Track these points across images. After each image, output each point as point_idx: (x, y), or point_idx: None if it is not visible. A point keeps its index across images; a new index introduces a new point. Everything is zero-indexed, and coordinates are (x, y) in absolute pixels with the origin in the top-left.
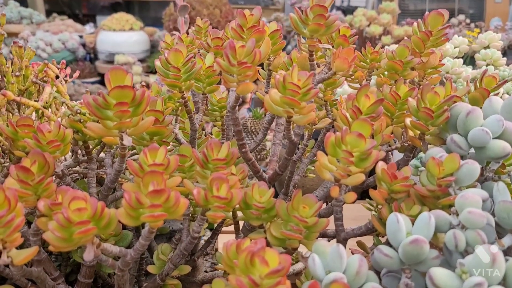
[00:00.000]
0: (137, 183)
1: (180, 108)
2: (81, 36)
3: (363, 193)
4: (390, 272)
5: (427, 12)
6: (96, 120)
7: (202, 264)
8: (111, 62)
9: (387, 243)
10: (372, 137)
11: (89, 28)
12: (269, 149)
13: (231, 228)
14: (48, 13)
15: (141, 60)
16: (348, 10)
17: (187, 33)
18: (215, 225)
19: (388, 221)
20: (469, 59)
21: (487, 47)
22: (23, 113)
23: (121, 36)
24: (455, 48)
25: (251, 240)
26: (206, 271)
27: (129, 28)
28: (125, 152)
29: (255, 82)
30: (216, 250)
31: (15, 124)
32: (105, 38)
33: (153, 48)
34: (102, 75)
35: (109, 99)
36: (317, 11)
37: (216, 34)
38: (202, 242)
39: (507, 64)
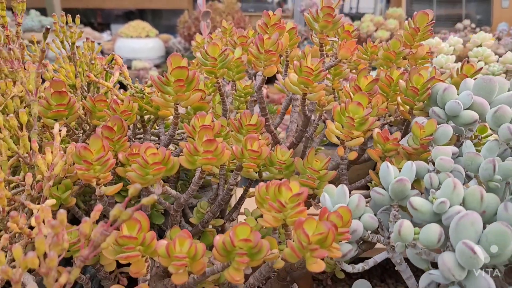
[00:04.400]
0: (191, 141)
1: (213, 93)
2: (99, 43)
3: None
4: (383, 210)
5: (431, 13)
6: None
7: (229, 228)
8: (128, 68)
9: (381, 187)
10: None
11: (106, 35)
12: (282, 139)
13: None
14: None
15: (157, 66)
16: (356, 17)
17: (210, 35)
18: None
19: (380, 168)
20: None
21: (480, 45)
22: (94, 93)
23: (138, 43)
24: (450, 46)
25: None
26: None
27: (145, 35)
28: (178, 120)
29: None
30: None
31: (94, 100)
32: (122, 44)
33: (168, 54)
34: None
35: (170, 77)
36: (326, 11)
37: (241, 33)
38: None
39: None
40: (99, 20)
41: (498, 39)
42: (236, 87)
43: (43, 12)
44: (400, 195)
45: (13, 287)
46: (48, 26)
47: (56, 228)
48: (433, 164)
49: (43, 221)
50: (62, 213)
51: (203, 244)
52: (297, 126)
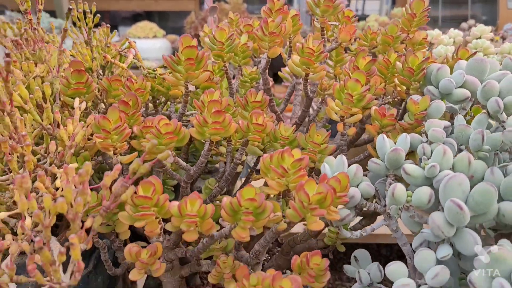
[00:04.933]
0: (200, 116)
1: (220, 78)
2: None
3: None
4: (380, 182)
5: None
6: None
7: None
8: (136, 68)
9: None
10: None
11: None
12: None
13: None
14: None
15: (165, 66)
16: (362, 18)
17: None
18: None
19: (377, 140)
20: None
21: (479, 38)
22: (109, 75)
23: (145, 43)
24: (450, 38)
25: None
26: None
27: (153, 35)
28: (188, 98)
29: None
30: None
31: (109, 80)
32: None
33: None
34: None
35: (181, 56)
36: None
37: (247, 22)
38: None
39: None
40: (107, 22)
41: (503, 38)
42: (242, 72)
43: (53, 14)
44: (395, 164)
45: (44, 232)
46: (70, 7)
47: (83, 176)
48: (426, 136)
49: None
50: (88, 164)
51: (211, 205)
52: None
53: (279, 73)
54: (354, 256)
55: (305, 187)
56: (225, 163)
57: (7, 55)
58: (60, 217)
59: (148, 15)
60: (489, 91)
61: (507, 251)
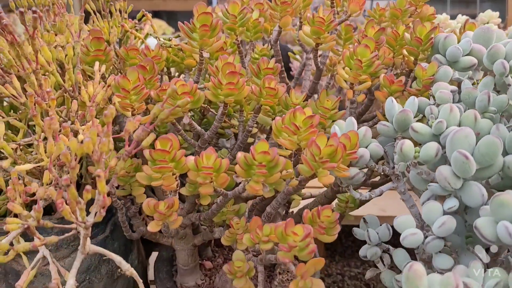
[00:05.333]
0: (215, 78)
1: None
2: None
3: None
4: (389, 145)
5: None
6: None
7: None
8: None
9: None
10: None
11: None
12: None
13: None
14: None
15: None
16: None
17: None
18: None
19: (386, 103)
20: None
21: (487, 23)
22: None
23: (154, 40)
24: (457, 23)
25: None
26: None
27: (162, 33)
28: (202, 66)
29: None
30: None
31: (127, 49)
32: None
33: None
34: None
35: (196, 23)
36: None
37: (258, 1)
38: None
39: None
40: None
41: None
42: (254, 49)
43: None
44: (403, 125)
45: (70, 173)
46: None
47: (108, 117)
48: (434, 98)
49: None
50: (112, 108)
51: (226, 159)
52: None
53: (289, 53)
54: (363, 218)
55: (317, 141)
56: (236, 135)
57: (34, 11)
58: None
59: (157, 15)
60: (495, 54)
61: (511, 196)
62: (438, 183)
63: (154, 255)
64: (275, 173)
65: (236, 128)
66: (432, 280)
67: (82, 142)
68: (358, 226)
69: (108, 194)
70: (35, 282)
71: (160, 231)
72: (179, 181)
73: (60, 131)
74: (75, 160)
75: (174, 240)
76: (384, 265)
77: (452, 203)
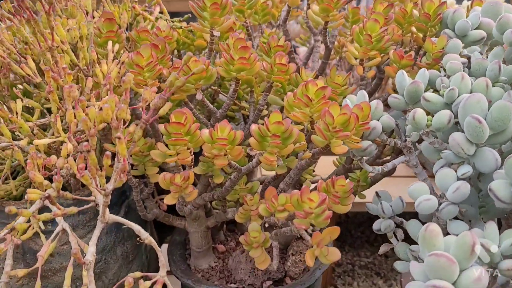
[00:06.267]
0: (226, 54)
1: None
2: None
3: None
4: (400, 119)
5: None
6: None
7: (257, 170)
8: None
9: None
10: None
11: None
12: None
13: None
14: None
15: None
16: None
17: None
18: None
19: (396, 76)
20: None
21: None
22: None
23: (165, 23)
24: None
25: None
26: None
27: None
28: (213, 46)
29: None
30: None
31: (138, 31)
32: None
33: None
34: None
35: (206, 1)
36: None
37: None
38: None
39: None
40: None
41: None
42: (262, 33)
43: None
44: (415, 97)
45: (90, 141)
46: None
47: (126, 83)
48: (445, 70)
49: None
50: (130, 75)
51: (241, 131)
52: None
53: (296, 39)
54: (376, 192)
55: (330, 110)
56: (246, 118)
57: None
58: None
59: None
60: (505, 24)
61: None
62: (451, 150)
63: (165, 247)
64: (289, 144)
65: (246, 110)
66: (449, 241)
67: (101, 109)
68: (366, 215)
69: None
70: (52, 262)
71: (173, 214)
72: (193, 156)
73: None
74: (94, 128)
75: (187, 222)
76: (397, 239)
77: (465, 169)
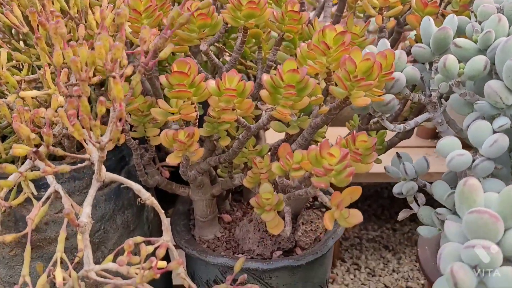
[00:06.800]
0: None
1: None
2: None
3: None
4: (425, 72)
5: None
6: None
7: (264, 136)
8: None
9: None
10: None
11: None
12: None
13: None
14: None
15: None
16: None
17: None
18: None
19: (422, 23)
20: None
21: None
22: None
23: None
24: None
25: None
26: None
27: None
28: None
29: None
30: None
31: None
32: None
33: None
34: None
35: None
36: None
37: None
38: None
39: None
40: None
41: None
42: None
43: None
44: (443, 45)
45: (81, 86)
46: None
47: (122, 17)
48: (475, 16)
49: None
50: (125, 8)
51: (251, 82)
52: None
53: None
54: (397, 153)
55: (352, 55)
56: (254, 77)
57: None
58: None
59: None
60: None
61: None
62: (487, 100)
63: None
64: (304, 96)
65: (254, 70)
66: (489, 197)
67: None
68: (372, 189)
69: (122, 132)
70: (47, 231)
71: (176, 181)
72: (198, 112)
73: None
74: (86, 71)
75: (191, 190)
76: (418, 205)
77: (503, 121)
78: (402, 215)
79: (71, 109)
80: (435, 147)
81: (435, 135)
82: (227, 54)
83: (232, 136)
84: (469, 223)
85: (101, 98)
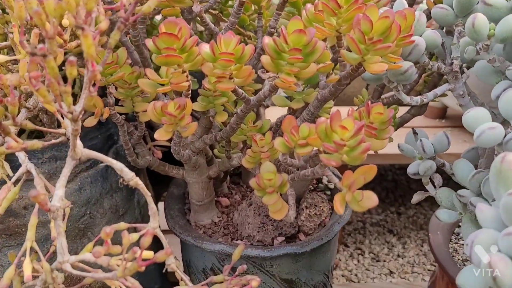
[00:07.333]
0: None
1: None
2: None
3: None
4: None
5: None
6: None
7: (263, 114)
8: None
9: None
10: None
11: None
12: None
13: None
14: None
15: None
16: None
17: None
18: None
19: None
20: None
21: None
22: None
23: None
24: None
25: None
26: None
27: None
28: None
29: None
30: None
31: None
32: None
33: None
34: None
35: None
36: None
37: None
38: None
39: None
40: None
41: None
42: None
43: None
44: (468, 6)
45: (48, 45)
46: None
47: None
48: None
49: None
50: None
51: (251, 45)
52: None
53: None
54: (413, 129)
55: (367, 13)
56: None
57: None
58: None
59: None
60: None
61: None
62: None
63: (161, 205)
64: (311, 62)
65: (253, 39)
66: None
67: None
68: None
69: (105, 106)
70: (26, 216)
71: (169, 162)
72: (190, 82)
73: None
74: (54, 26)
75: (186, 171)
76: (434, 186)
77: None
78: (417, 197)
79: (33, 70)
80: (443, 127)
81: (443, 115)
82: (225, 22)
83: (229, 112)
84: (508, 207)
85: (71, 57)
